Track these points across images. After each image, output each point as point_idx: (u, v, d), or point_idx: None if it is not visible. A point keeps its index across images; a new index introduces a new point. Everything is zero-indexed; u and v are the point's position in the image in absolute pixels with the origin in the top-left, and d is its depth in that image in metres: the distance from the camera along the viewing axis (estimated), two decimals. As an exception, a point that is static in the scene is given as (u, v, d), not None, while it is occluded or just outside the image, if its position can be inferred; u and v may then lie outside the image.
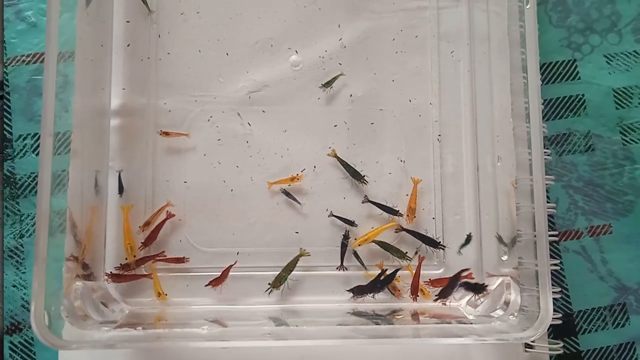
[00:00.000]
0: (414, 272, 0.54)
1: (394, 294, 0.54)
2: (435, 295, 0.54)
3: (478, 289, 0.53)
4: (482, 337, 0.46)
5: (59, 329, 0.44)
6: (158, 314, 0.52)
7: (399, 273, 0.54)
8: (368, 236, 0.54)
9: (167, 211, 0.54)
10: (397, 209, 0.55)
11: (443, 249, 0.55)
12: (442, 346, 0.53)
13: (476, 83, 0.57)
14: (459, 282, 0.54)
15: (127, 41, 0.55)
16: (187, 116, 0.55)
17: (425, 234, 0.55)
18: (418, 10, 0.57)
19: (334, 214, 0.55)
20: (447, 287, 0.54)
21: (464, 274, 0.54)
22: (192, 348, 0.51)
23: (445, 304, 0.54)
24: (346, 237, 0.55)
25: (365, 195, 0.55)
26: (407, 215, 0.55)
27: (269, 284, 0.53)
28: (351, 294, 0.53)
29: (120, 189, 0.54)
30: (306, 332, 0.47)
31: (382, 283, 0.53)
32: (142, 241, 0.53)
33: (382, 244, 0.54)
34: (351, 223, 0.55)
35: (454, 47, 0.57)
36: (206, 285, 0.53)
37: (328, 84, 0.56)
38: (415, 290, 0.53)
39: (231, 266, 0.54)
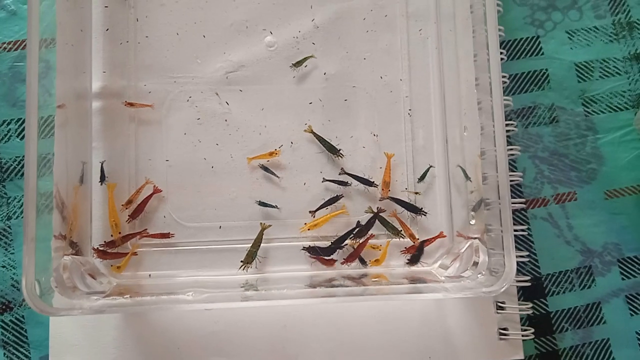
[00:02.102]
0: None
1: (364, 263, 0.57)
2: (407, 260, 0.57)
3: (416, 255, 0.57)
4: (452, 293, 0.49)
5: (49, 301, 0.46)
6: (134, 285, 0.54)
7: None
8: (317, 222, 0.56)
9: (154, 186, 0.56)
10: (372, 180, 0.57)
11: (425, 215, 0.57)
12: (417, 309, 0.55)
13: (443, 59, 0.59)
14: (424, 248, 0.57)
15: (106, 26, 0.57)
16: (167, 97, 0.57)
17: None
18: (387, -10, 0.60)
19: (327, 179, 0.57)
20: (416, 253, 0.57)
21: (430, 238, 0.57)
22: (178, 312, 0.53)
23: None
24: (337, 198, 0.57)
25: (342, 168, 0.57)
26: (382, 189, 0.57)
27: (241, 261, 0.55)
28: (307, 253, 0.55)
29: (102, 178, 0.55)
30: (286, 294, 0.49)
31: (335, 244, 0.56)
32: (129, 214, 0.55)
33: (381, 219, 0.57)
34: (345, 184, 0.57)
35: (421, 25, 0.60)
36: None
37: (298, 64, 0.58)
38: (351, 259, 0.56)
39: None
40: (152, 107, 0.57)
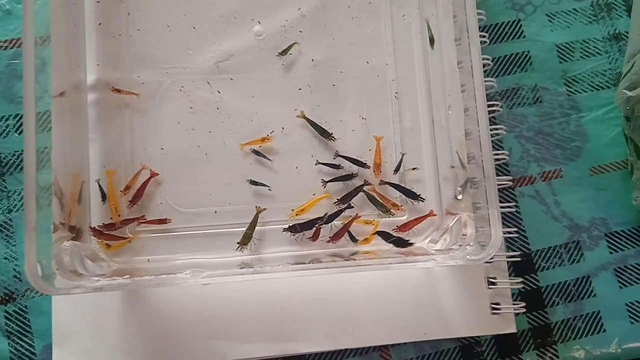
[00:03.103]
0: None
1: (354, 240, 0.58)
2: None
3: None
4: (441, 262, 0.50)
5: (52, 282, 0.47)
6: (133, 269, 0.55)
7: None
8: (304, 207, 0.57)
9: (150, 170, 0.57)
10: (365, 162, 0.59)
11: (422, 201, 0.59)
12: (410, 287, 0.57)
13: (427, 43, 0.61)
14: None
15: (98, 20, 0.59)
16: (160, 87, 0.59)
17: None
18: (370, -22, 0.62)
19: (320, 162, 0.58)
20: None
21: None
22: (177, 296, 0.55)
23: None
24: (351, 176, 0.58)
25: (336, 151, 0.59)
26: (374, 171, 0.59)
27: (238, 242, 0.56)
28: (289, 232, 0.57)
29: (103, 197, 0.57)
30: (279, 269, 0.51)
31: (326, 220, 0.57)
32: (130, 200, 0.57)
33: (369, 196, 0.58)
34: (337, 167, 0.59)
35: (405, 11, 0.62)
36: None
37: (284, 52, 0.60)
38: (336, 237, 0.57)
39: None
40: (138, 95, 0.58)
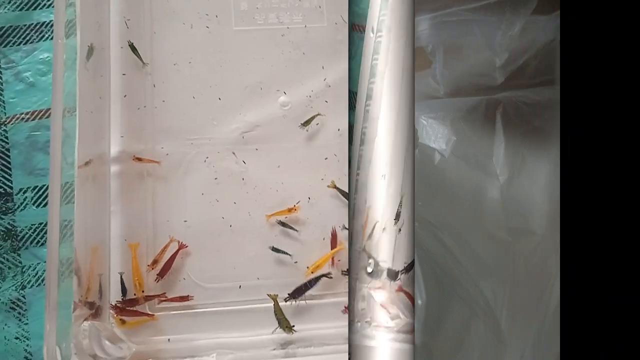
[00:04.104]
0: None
1: None
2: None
3: None
4: None
5: (69, 369, 0.45)
6: (154, 350, 0.52)
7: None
8: (319, 263, 0.56)
9: (178, 242, 0.55)
10: None
11: None
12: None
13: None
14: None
15: (124, 92, 0.58)
16: (184, 158, 0.58)
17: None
18: (394, 48, 0.62)
19: (346, 227, 0.56)
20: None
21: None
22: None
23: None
24: None
25: None
26: None
27: (281, 327, 0.54)
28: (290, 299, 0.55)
29: (123, 291, 0.54)
30: (314, 351, 0.48)
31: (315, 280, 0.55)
32: (158, 273, 0.55)
33: None
34: None
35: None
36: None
37: (307, 123, 0.59)
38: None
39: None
40: (160, 163, 0.57)
